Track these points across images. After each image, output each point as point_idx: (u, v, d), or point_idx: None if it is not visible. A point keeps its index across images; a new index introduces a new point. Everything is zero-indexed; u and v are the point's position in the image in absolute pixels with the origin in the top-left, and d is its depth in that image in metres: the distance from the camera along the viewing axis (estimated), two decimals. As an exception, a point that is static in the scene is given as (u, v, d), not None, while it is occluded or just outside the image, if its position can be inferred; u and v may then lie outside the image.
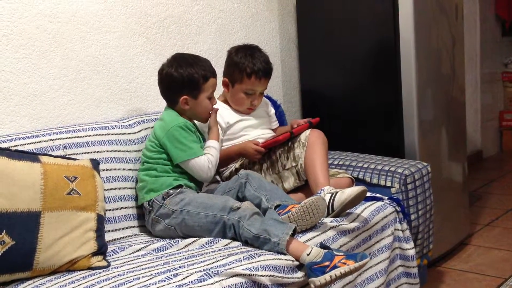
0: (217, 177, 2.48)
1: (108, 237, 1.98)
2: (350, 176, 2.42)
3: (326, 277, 1.72)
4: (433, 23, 2.82)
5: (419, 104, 2.70)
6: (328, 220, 2.00)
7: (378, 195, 2.32)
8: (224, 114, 2.42)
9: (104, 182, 2.05)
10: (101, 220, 1.87)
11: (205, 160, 2.14)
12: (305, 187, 2.27)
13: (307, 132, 2.27)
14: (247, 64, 2.36)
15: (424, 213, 2.51)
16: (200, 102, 2.19)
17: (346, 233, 2.00)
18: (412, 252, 2.25)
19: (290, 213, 1.91)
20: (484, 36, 5.12)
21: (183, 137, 2.12)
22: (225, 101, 2.50)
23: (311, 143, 2.23)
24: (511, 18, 5.45)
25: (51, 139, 2.03)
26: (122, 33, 2.46)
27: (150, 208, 2.08)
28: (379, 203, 2.22)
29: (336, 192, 2.04)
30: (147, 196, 2.10)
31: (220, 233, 1.94)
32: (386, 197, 2.30)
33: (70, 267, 1.75)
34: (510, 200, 3.95)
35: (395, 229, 2.22)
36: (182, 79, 2.16)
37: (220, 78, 2.60)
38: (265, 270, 1.66)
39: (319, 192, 2.08)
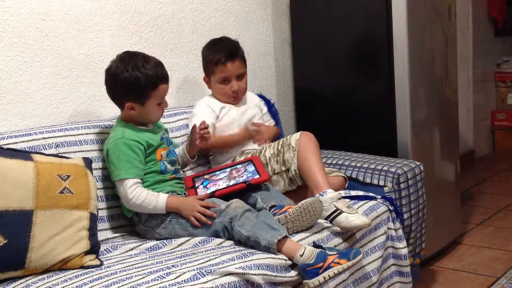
0: None
1: (101, 236, 1.97)
2: (343, 175, 2.42)
3: (320, 278, 1.72)
4: (426, 23, 2.82)
5: (412, 104, 2.71)
6: (321, 220, 2.00)
7: (371, 194, 2.32)
8: (216, 103, 2.48)
9: (97, 181, 2.04)
10: (94, 219, 1.86)
11: (133, 187, 1.95)
12: (298, 190, 2.27)
13: (297, 135, 2.25)
14: (212, 54, 2.45)
15: (416, 212, 2.51)
16: (147, 108, 2.01)
17: (339, 233, 2.00)
18: (404, 251, 2.26)
19: (287, 213, 1.90)
20: (476, 36, 5.13)
21: (115, 156, 1.97)
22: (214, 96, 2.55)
23: (303, 146, 2.20)
24: (503, 18, 5.47)
25: (44, 138, 2.02)
26: (115, 32, 2.45)
27: (138, 218, 2.04)
28: (372, 202, 2.23)
29: (342, 212, 1.97)
30: (130, 213, 2.05)
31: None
32: (379, 196, 2.31)
33: (62, 266, 1.75)
34: (502, 199, 3.97)
35: (388, 228, 2.23)
36: (127, 84, 1.96)
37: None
38: (258, 269, 1.66)
39: (321, 194, 2.06)
